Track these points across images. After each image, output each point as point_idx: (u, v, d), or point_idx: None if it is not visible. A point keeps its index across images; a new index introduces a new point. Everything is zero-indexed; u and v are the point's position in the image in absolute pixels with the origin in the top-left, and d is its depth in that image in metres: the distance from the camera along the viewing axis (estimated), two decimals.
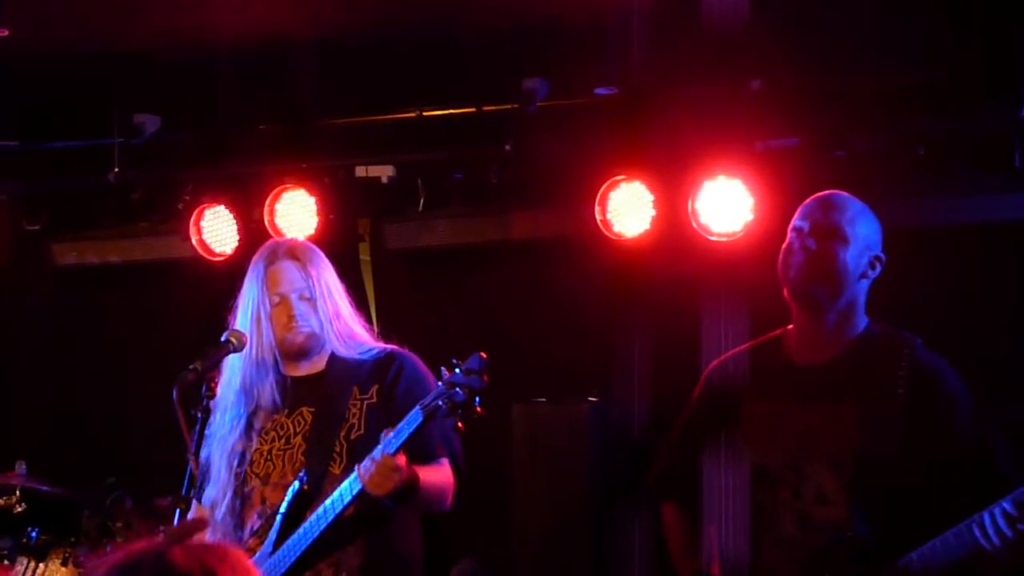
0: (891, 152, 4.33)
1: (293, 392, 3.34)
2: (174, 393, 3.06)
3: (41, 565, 4.54)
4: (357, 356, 3.35)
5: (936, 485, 2.69)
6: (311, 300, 3.29)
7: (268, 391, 3.32)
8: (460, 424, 3.01)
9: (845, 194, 2.95)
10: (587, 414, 4.60)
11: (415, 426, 3.00)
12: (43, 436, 5.48)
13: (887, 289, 3.50)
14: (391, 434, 3.01)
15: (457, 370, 2.96)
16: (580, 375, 4.74)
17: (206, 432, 3.22)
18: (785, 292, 2.85)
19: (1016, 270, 4.27)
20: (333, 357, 3.34)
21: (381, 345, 3.41)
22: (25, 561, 4.55)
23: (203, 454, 3.24)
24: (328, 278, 3.37)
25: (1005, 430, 2.82)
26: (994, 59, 4.10)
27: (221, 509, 3.24)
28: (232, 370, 3.30)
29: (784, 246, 2.86)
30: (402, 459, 2.98)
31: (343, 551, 2.90)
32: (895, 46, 4.23)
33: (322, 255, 3.43)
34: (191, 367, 3.14)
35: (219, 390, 3.28)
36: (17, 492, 4.63)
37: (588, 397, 4.66)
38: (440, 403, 2.95)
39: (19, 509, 4.67)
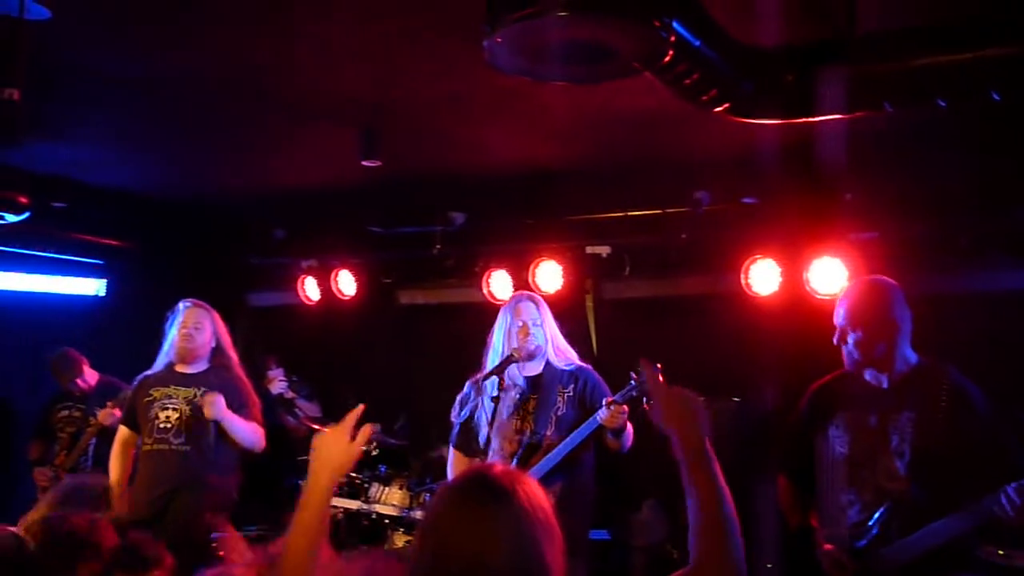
0: (941, 241, 5.07)
1: (524, 384, 4.15)
2: (477, 384, 4.11)
3: (386, 488, 5.75)
4: (562, 367, 4.17)
5: (968, 465, 3.10)
6: (540, 327, 4.16)
7: (521, 382, 4.15)
8: (628, 408, 3.83)
9: (860, 285, 3.45)
10: (734, 409, 5.52)
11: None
12: (389, 409, 6.55)
13: (939, 334, 3.89)
14: (617, 395, 3.84)
15: (635, 379, 3.82)
16: (729, 384, 5.54)
17: (499, 408, 4.00)
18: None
19: None
20: (548, 364, 4.18)
21: (577, 362, 4.21)
22: (376, 485, 5.80)
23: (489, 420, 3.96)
24: (548, 315, 4.21)
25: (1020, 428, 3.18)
26: (1013, 177, 4.76)
27: (496, 459, 3.99)
28: (510, 370, 4.11)
29: (839, 343, 3.31)
30: (625, 408, 3.83)
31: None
32: (945, 167, 4.90)
33: (544, 302, 4.25)
34: (490, 372, 4.04)
35: (506, 382, 4.03)
36: (374, 443, 5.88)
37: (733, 398, 5.56)
38: (629, 395, 3.82)
39: (374, 453, 5.99)
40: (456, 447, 4.22)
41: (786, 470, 3.67)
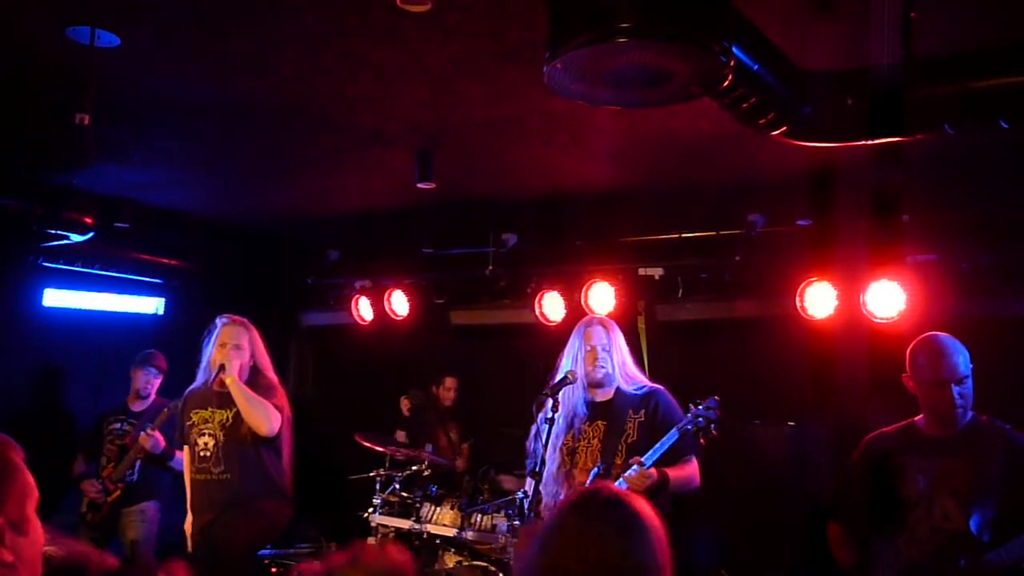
0: (999, 265, 5.11)
1: (593, 411, 4.11)
2: (533, 407, 3.94)
3: (437, 508, 5.56)
4: (632, 391, 4.10)
5: (1019, 509, 3.24)
6: (608, 352, 4.11)
7: (582, 408, 4.10)
8: (702, 440, 3.82)
9: (949, 342, 3.40)
10: (787, 433, 5.55)
11: (672, 441, 3.76)
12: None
13: (998, 357, 3.88)
14: (644, 456, 3.70)
15: (701, 406, 3.77)
16: (784, 409, 5.66)
17: (553, 432, 3.92)
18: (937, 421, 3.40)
19: None
20: (618, 390, 4.11)
21: (649, 384, 4.14)
22: (428, 505, 5.58)
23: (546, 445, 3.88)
24: (619, 340, 4.17)
25: None
26: None
27: (549, 481, 3.98)
28: (567, 394, 4.06)
29: (944, 400, 3.32)
30: (653, 471, 3.71)
31: None
32: (1005, 191, 4.95)
33: (616, 326, 4.23)
34: (544, 392, 3.93)
35: (561, 407, 3.94)
36: (425, 463, 5.83)
37: (788, 423, 5.57)
38: (689, 427, 3.76)
39: (426, 473, 5.89)
40: (527, 472, 4.14)
41: (837, 517, 3.71)
